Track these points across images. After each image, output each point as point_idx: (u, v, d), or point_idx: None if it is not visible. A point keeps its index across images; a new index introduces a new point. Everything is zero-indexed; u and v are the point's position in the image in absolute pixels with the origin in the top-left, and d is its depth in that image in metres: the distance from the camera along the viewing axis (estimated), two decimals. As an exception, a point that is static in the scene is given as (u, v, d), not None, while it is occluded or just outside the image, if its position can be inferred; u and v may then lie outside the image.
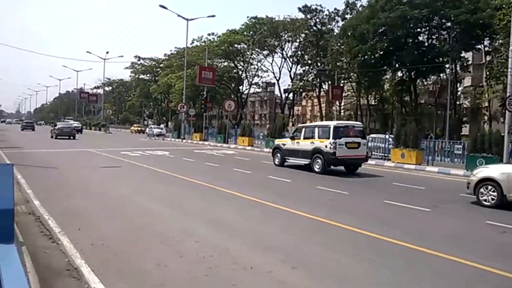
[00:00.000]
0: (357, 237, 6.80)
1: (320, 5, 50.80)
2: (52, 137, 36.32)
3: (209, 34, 57.55)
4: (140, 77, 79.92)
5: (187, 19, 41.50)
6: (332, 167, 15.36)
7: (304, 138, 16.13)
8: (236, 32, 55.14)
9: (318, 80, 52.71)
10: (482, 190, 9.76)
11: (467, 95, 48.36)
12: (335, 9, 49.71)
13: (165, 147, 28.01)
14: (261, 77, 60.96)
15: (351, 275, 5.10)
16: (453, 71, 40.92)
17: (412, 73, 40.46)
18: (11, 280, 1.34)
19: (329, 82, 49.12)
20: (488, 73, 38.13)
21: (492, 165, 11.37)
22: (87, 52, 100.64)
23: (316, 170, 15.14)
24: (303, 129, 16.77)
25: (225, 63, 58.43)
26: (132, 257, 5.54)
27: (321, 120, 55.26)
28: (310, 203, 9.64)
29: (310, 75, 53.60)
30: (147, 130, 51.03)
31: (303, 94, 60.65)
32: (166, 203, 9.36)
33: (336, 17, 49.91)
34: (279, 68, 57.38)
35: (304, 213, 8.23)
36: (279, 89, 60.75)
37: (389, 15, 35.50)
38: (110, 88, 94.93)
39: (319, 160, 15.08)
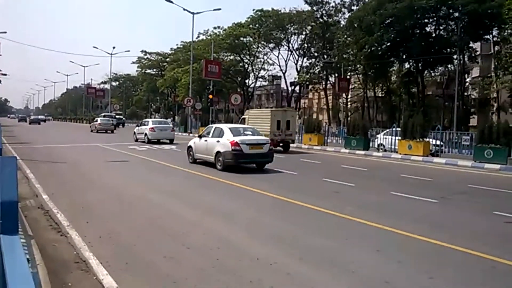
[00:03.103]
0: (364, 228, 6.79)
1: (326, -3, 50.37)
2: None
3: (214, 28, 57.41)
4: (146, 71, 79.96)
5: (193, 13, 41.42)
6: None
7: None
8: (242, 25, 54.90)
9: (325, 72, 52.43)
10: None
11: (475, 86, 47.82)
12: (342, 0, 49.29)
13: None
14: (267, 70, 60.73)
15: (358, 266, 5.10)
16: (461, 62, 40.44)
17: (419, 64, 40.10)
18: (14, 270, 1.35)
19: (336, 75, 48.85)
20: (496, 63, 37.63)
21: None
22: (94, 47, 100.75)
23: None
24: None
25: (231, 57, 58.26)
26: (140, 250, 5.60)
27: (328, 113, 55.14)
28: (315, 196, 9.63)
29: (316, 68, 53.31)
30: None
31: (310, 87, 60.32)
32: (172, 196, 9.42)
33: (343, 9, 49.47)
34: (285, 61, 57.15)
35: (312, 206, 8.24)
36: (286, 82, 60.54)
37: (396, 6, 35.13)
38: (117, 83, 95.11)
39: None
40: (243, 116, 25.39)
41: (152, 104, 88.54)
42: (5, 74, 53.12)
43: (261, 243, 5.95)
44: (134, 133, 28.16)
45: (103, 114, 56.84)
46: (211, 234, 6.29)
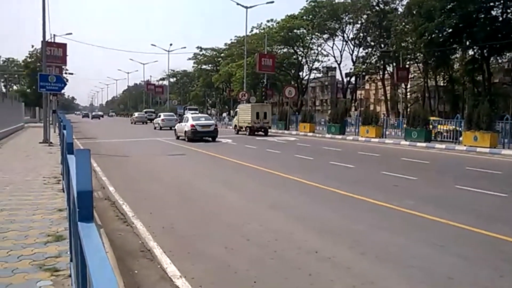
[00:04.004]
0: (427, 222, 6.53)
1: (383, -16, 48.63)
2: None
3: (268, 21, 57.36)
4: (202, 67, 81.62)
5: (246, 7, 41.70)
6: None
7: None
8: (295, 17, 54.40)
9: (382, 62, 50.76)
10: None
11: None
12: (399, -14, 47.32)
13: (228, 135, 28.56)
14: (322, 61, 59.82)
15: (420, 261, 4.92)
16: (531, 46, 37.48)
17: (485, 50, 37.61)
18: (93, 255, 1.44)
19: (394, 64, 47.10)
20: None
21: None
22: (152, 45, 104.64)
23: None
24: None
25: (285, 49, 57.97)
26: (200, 240, 5.76)
27: (386, 104, 53.42)
28: (374, 189, 9.39)
29: (373, 58, 51.75)
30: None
31: (366, 77, 58.72)
32: (230, 188, 9.59)
33: (400, -5, 47.52)
34: (340, 51, 55.86)
35: (371, 199, 8.05)
36: (341, 73, 59.40)
37: (458, -11, 33.18)
38: (175, 79, 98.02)
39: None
40: (236, 109, 34.33)
41: (208, 99, 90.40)
42: (72, 74, 56.56)
43: (319, 236, 5.90)
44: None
45: (144, 110, 64.70)
46: (268, 226, 6.34)
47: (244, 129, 30.54)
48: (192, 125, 22.52)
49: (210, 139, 23.11)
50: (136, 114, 57.38)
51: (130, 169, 12.79)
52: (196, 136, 22.31)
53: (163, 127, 36.55)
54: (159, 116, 39.76)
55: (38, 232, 5.35)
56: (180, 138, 24.02)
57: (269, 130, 30.54)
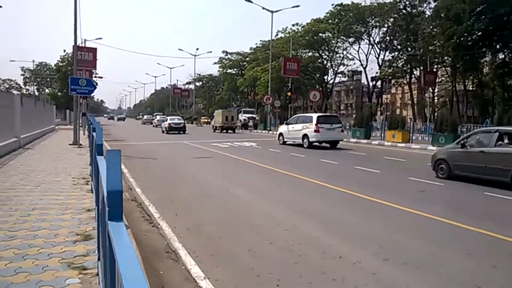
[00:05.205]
0: (454, 230, 6.38)
1: (411, -13, 47.93)
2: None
3: (293, 25, 57.43)
4: (227, 71, 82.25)
5: (272, 11, 41.84)
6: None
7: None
8: (321, 21, 54.23)
9: (409, 66, 49.98)
10: None
11: None
12: (427, -10, 46.51)
13: (252, 139, 28.64)
14: (347, 65, 59.48)
15: (447, 269, 4.80)
16: None
17: (516, 54, 36.56)
18: (123, 253, 1.48)
19: (421, 68, 46.33)
20: None
21: None
22: (179, 49, 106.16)
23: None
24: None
25: (310, 53, 57.84)
26: (224, 242, 5.80)
27: (413, 108, 52.48)
28: (400, 195, 9.24)
29: (400, 61, 51.03)
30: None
31: (393, 81, 57.93)
32: (255, 191, 9.61)
33: (428, -2, 46.72)
34: (366, 55, 55.36)
35: (397, 205, 7.93)
36: (366, 77, 58.90)
37: (488, -9, 32.35)
38: (201, 83, 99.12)
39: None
40: (214, 114, 44.24)
41: (233, 103, 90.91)
42: (101, 77, 57.95)
43: (344, 242, 5.85)
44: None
45: (155, 114, 74.58)
46: (293, 230, 6.32)
47: (218, 128, 39.87)
48: (169, 123, 35.90)
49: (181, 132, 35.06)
50: (145, 116, 76.74)
51: (157, 171, 12.98)
52: (170, 131, 35.00)
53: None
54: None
55: (67, 231, 5.50)
56: (164, 132, 36.10)
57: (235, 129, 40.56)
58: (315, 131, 20.75)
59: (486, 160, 10.12)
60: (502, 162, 9.78)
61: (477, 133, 11.49)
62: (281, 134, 23.82)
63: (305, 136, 21.27)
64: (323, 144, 21.45)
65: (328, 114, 30.67)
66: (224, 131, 38.77)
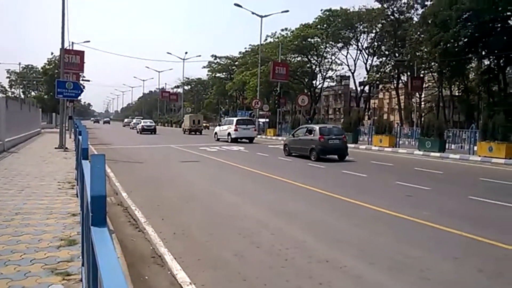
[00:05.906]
0: (441, 234, 6.44)
1: (398, -7, 48.45)
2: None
3: (282, 30, 57.49)
4: (216, 75, 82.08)
5: (261, 16, 41.93)
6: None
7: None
8: (310, 26, 54.48)
9: (396, 71, 50.46)
10: None
11: None
12: (414, -4, 47.11)
13: (241, 143, 28.61)
14: (335, 70, 59.68)
15: (434, 273, 4.85)
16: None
17: (501, 60, 37.14)
18: (105, 260, 1.46)
19: (408, 73, 46.81)
20: None
21: None
22: (168, 53, 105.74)
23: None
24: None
25: (298, 58, 58.01)
26: (211, 247, 5.77)
27: (400, 113, 53.00)
28: (388, 199, 9.31)
29: (387, 67, 51.49)
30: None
31: (380, 86, 58.37)
32: (242, 195, 9.59)
33: (416, 5, 47.32)
34: (354, 60, 55.68)
35: (384, 209, 7.98)
36: (354, 82, 59.13)
37: (474, -1, 32.87)
38: (189, 87, 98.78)
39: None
40: (183, 118, 51.76)
41: (222, 107, 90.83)
42: (88, 80, 57.40)
43: (330, 246, 5.86)
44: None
45: (135, 117, 78.86)
46: (279, 235, 6.32)
47: (186, 130, 44.38)
48: (142, 126, 43.66)
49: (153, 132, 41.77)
50: (125, 120, 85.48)
51: (143, 175, 12.88)
52: (143, 132, 42.38)
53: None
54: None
55: (51, 236, 5.42)
56: (138, 132, 43.02)
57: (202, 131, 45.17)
58: (235, 130, 28.92)
59: (300, 144, 18.14)
60: (305, 144, 17.66)
61: (299, 128, 19.48)
62: (216, 133, 32.07)
63: (228, 134, 29.44)
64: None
65: (244, 118, 36.35)
66: (193, 133, 43.29)
